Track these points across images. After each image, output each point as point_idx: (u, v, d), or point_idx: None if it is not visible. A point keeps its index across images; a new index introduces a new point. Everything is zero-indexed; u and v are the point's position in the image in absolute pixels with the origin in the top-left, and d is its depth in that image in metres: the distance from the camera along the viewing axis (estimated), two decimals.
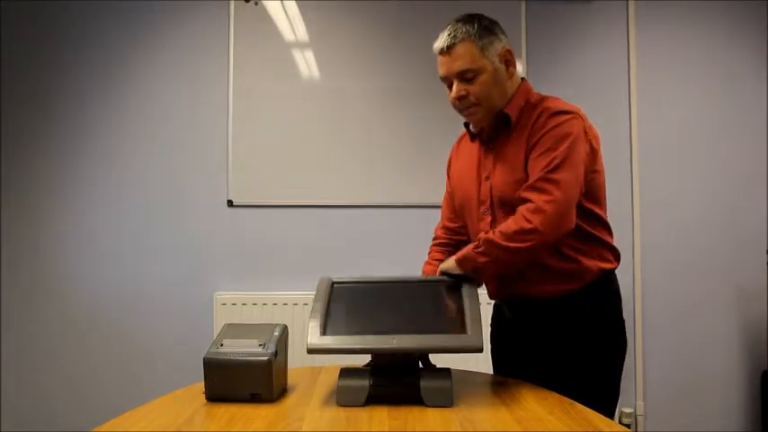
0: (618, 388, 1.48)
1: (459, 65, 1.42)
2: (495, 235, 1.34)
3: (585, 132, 1.41)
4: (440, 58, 1.45)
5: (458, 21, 1.45)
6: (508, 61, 1.46)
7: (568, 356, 1.43)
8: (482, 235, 1.37)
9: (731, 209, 2.86)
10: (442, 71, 1.46)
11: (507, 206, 1.43)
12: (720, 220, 2.85)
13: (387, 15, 2.80)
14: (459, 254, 1.39)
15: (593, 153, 1.43)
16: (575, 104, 1.46)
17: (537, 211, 1.31)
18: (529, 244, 1.30)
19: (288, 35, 2.81)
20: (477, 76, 1.42)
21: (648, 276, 2.84)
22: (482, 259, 1.35)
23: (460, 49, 1.42)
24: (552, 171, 1.33)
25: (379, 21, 2.81)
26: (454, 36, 1.42)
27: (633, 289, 2.83)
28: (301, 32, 2.82)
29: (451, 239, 1.69)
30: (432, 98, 2.75)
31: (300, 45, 2.82)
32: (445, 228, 1.71)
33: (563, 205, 1.32)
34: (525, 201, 1.34)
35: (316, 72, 2.82)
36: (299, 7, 2.80)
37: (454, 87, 1.44)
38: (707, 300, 2.84)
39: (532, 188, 1.34)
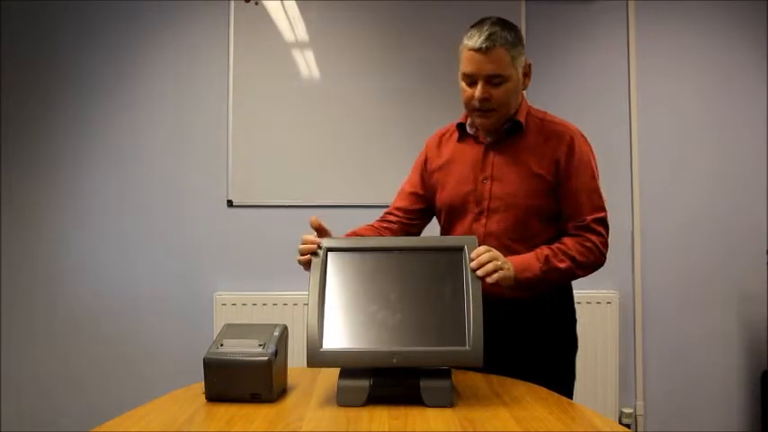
0: (574, 372, 1.58)
1: (492, 68, 1.44)
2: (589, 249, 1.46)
3: None
4: (473, 54, 1.44)
5: (494, 23, 1.46)
6: (526, 74, 1.52)
7: (530, 349, 1.50)
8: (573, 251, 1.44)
9: (731, 209, 2.86)
10: (470, 68, 1.46)
11: (508, 213, 1.49)
12: (720, 220, 2.85)
13: (387, 15, 2.80)
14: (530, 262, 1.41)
15: None
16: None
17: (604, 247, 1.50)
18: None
19: (288, 35, 2.81)
20: (503, 82, 1.46)
21: (648, 276, 2.84)
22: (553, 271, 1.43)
23: (497, 53, 1.43)
24: (600, 210, 1.51)
25: (379, 21, 2.81)
26: (494, 40, 1.42)
27: (633, 289, 2.83)
28: (301, 32, 2.82)
29: (405, 223, 1.68)
30: (431, 98, 2.74)
31: (300, 45, 2.82)
32: (402, 209, 1.69)
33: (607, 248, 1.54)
34: (592, 232, 1.48)
35: (316, 72, 2.82)
36: (299, 7, 2.80)
37: (479, 88, 1.45)
38: (707, 300, 2.84)
39: (598, 223, 1.50)
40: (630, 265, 2.83)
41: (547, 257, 1.41)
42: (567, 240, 1.46)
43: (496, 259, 1.29)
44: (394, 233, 1.66)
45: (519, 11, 2.79)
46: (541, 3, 2.82)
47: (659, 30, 2.87)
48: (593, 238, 1.47)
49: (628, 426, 2.78)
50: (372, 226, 1.68)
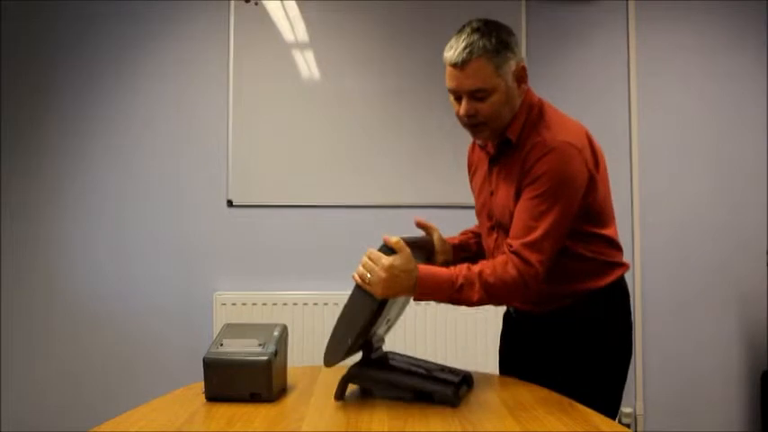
0: (621, 394, 1.48)
1: (472, 83, 1.32)
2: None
3: (585, 161, 1.34)
4: (451, 70, 1.34)
5: (474, 30, 1.32)
6: (521, 78, 1.38)
7: (572, 363, 1.42)
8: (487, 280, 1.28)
9: (731, 209, 2.86)
10: (451, 84, 1.36)
11: (506, 231, 1.41)
12: (720, 220, 2.85)
13: (387, 15, 2.80)
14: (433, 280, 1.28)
15: (592, 180, 1.37)
16: (574, 121, 1.42)
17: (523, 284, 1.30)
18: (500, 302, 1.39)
19: (288, 35, 2.81)
20: (488, 96, 1.33)
21: (648, 276, 2.84)
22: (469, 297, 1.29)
23: (475, 65, 1.31)
24: (539, 238, 1.30)
25: (379, 21, 2.81)
26: (470, 51, 1.30)
27: (633, 289, 2.83)
28: (301, 32, 2.82)
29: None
30: (431, 98, 2.74)
31: (300, 45, 2.82)
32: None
33: (540, 278, 1.31)
34: (523, 260, 1.29)
35: (316, 72, 2.82)
36: (299, 7, 2.80)
37: (463, 104, 1.35)
38: (707, 300, 2.84)
39: (530, 248, 1.30)
40: (630, 266, 2.83)
41: (461, 287, 1.27)
42: (499, 267, 1.29)
43: (367, 272, 1.22)
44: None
45: (519, 11, 2.80)
46: (541, 2, 2.82)
47: (659, 30, 2.87)
48: (520, 266, 1.28)
49: (628, 426, 2.78)
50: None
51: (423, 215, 1.78)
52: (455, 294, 1.28)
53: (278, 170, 2.79)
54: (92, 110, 2.80)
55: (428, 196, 2.74)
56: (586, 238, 1.41)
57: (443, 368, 1.32)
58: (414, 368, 1.29)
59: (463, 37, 1.32)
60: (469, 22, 1.36)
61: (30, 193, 2.79)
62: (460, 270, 1.29)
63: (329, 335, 1.27)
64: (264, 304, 2.70)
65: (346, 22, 2.81)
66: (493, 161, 1.47)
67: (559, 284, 1.41)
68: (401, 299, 1.36)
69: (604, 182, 1.44)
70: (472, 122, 1.38)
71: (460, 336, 2.69)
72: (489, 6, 2.63)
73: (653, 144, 2.86)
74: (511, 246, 1.31)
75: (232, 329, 1.33)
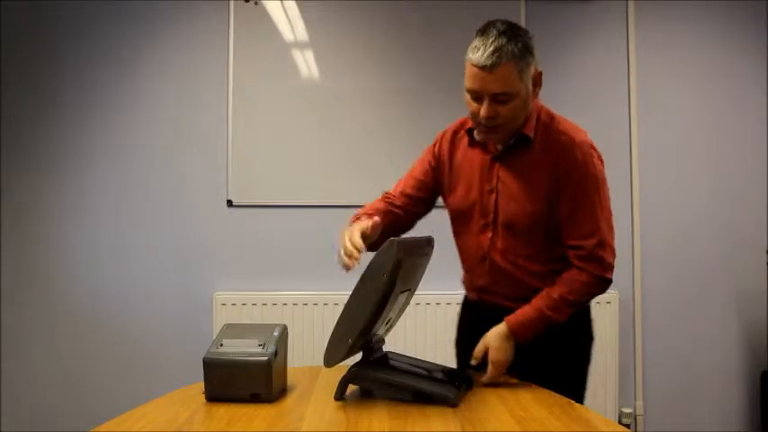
0: (586, 377, 1.58)
1: (498, 87, 1.34)
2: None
3: (600, 159, 1.46)
4: (477, 71, 1.34)
5: (501, 33, 1.33)
6: (537, 82, 1.42)
7: (538, 350, 1.43)
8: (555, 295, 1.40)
9: (731, 209, 2.86)
10: (474, 85, 1.36)
11: (512, 229, 1.44)
12: (720, 220, 2.85)
13: (387, 15, 2.80)
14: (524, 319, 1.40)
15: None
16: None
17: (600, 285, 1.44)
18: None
19: (288, 35, 2.81)
20: (510, 99, 1.36)
21: (648, 277, 2.84)
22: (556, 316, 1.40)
23: (503, 70, 1.33)
24: (605, 235, 1.42)
25: (379, 21, 2.81)
26: (499, 56, 1.31)
27: (633, 289, 2.83)
28: (301, 32, 2.82)
29: (410, 211, 1.63)
30: (431, 98, 2.74)
31: (300, 45, 2.82)
32: (408, 196, 1.64)
33: (612, 267, 1.44)
34: (595, 261, 1.40)
35: (315, 72, 2.82)
36: (299, 7, 2.80)
37: (485, 106, 1.36)
38: (707, 300, 2.84)
39: (600, 247, 1.41)
40: (630, 266, 2.83)
41: (549, 318, 1.39)
42: (571, 281, 1.41)
43: (501, 374, 1.38)
44: (400, 219, 1.62)
45: (519, 11, 2.79)
46: (541, 2, 2.82)
47: (659, 30, 2.87)
48: (596, 269, 1.40)
49: (628, 426, 2.78)
50: (389, 210, 1.62)
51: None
52: (544, 324, 1.39)
53: (278, 170, 2.79)
54: (91, 110, 2.80)
55: None
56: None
57: (443, 369, 1.32)
58: (414, 369, 1.29)
59: (491, 39, 1.33)
60: (493, 24, 1.36)
61: (30, 193, 2.79)
62: (542, 302, 1.40)
63: (329, 335, 1.27)
64: (264, 304, 2.70)
65: (346, 22, 2.81)
66: (497, 159, 1.48)
67: (543, 284, 1.44)
68: (401, 299, 1.36)
69: None
70: (490, 124, 1.39)
71: None
72: (489, 6, 2.63)
73: (653, 144, 2.85)
74: (583, 248, 1.40)
75: (232, 329, 1.33)
